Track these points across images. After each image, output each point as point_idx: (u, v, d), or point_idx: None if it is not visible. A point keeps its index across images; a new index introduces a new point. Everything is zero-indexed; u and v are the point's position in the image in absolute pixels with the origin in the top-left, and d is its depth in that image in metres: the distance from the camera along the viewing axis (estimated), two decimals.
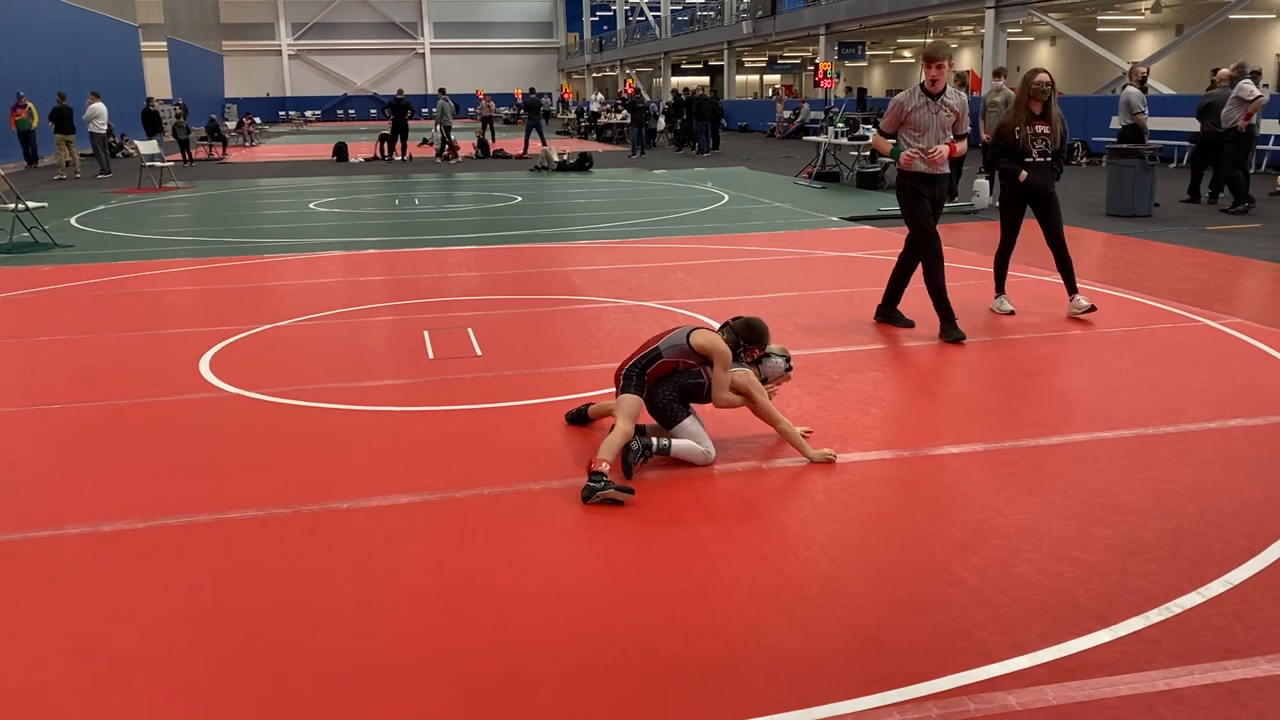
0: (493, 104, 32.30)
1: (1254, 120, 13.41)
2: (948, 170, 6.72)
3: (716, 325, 4.71)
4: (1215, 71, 13.63)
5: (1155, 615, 3.11)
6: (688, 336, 4.53)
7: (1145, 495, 4.04)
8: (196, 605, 3.28)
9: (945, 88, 6.52)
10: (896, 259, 7.05)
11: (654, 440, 4.37)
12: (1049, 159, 6.93)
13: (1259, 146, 16.53)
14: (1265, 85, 14.55)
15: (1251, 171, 13.99)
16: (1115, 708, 2.65)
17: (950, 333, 6.53)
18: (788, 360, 4.81)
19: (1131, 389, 5.43)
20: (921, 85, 6.55)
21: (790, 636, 3.03)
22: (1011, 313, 7.23)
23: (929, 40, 36.17)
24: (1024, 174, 6.88)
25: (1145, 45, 32.76)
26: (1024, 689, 2.74)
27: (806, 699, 2.71)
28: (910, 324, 6.89)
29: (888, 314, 7.04)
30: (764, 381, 4.70)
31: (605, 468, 4.13)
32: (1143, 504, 3.96)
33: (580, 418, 5.00)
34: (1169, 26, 32.17)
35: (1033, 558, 3.51)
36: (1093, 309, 7.05)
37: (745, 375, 4.55)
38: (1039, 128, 6.88)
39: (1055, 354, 6.19)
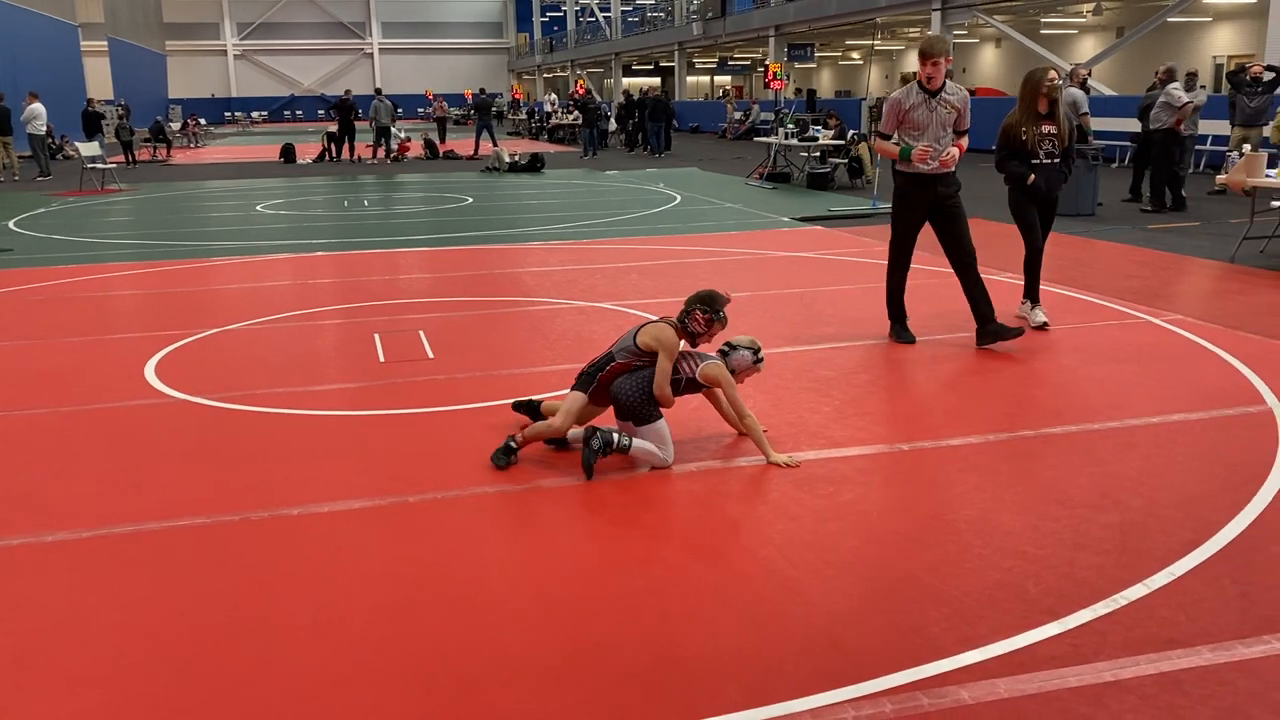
0: (445, 104, 32.06)
1: (1193, 121, 13.73)
2: (953, 169, 6.33)
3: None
4: (1159, 72, 13.91)
5: (1102, 607, 3.16)
6: (634, 336, 4.53)
7: (1091, 490, 4.11)
8: (145, 616, 3.22)
9: (944, 84, 6.19)
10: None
11: (615, 436, 4.33)
12: (1057, 160, 6.64)
13: (1197, 147, 16.92)
14: (1202, 87, 14.85)
15: (1190, 171, 14.32)
16: (1064, 699, 2.70)
17: (901, 334, 6.57)
18: (756, 353, 4.67)
19: (1077, 385, 5.53)
20: (919, 82, 6.21)
21: (746, 635, 3.04)
22: (1045, 325, 6.77)
23: (875, 41, 36.47)
24: (1032, 177, 6.58)
25: (1087, 47, 33.37)
26: (976, 683, 2.78)
27: (763, 697, 2.73)
28: (1018, 332, 6.25)
29: (993, 331, 6.28)
30: (731, 373, 4.59)
31: (517, 439, 4.47)
32: (1089, 498, 4.03)
33: (530, 410, 4.90)
34: (1110, 29, 32.80)
35: (983, 553, 3.56)
36: (1045, 326, 6.73)
37: (716, 367, 4.50)
38: (1046, 128, 6.60)
39: (1003, 351, 6.27)
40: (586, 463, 4.26)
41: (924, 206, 6.37)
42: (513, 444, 4.49)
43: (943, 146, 6.22)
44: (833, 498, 4.08)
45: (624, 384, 4.46)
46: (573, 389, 4.55)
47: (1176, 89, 13.09)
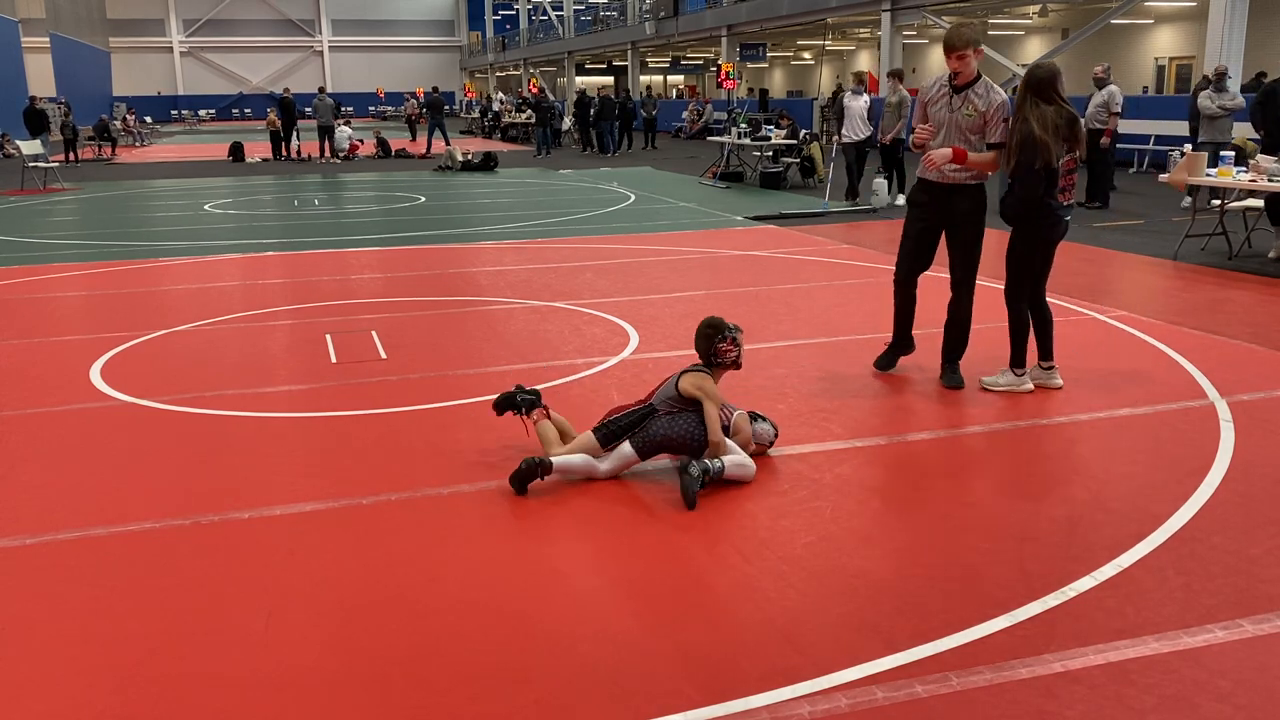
0: (415, 102, 31.75)
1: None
2: (972, 181, 5.41)
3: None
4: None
5: (1051, 599, 3.22)
6: (675, 384, 4.32)
7: (1040, 484, 4.18)
8: (92, 622, 3.16)
9: (975, 81, 5.29)
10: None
11: (709, 464, 4.09)
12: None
13: (1140, 146, 17.27)
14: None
15: (1133, 171, 14.55)
16: (1015, 690, 2.74)
17: (881, 360, 5.91)
18: (774, 430, 4.59)
19: None
20: (950, 74, 5.34)
21: (701, 632, 3.06)
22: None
23: (826, 41, 36.68)
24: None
25: (1034, 48, 33.85)
26: (929, 676, 2.81)
27: (719, 694, 2.74)
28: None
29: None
30: (747, 438, 4.43)
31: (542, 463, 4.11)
32: (1037, 492, 4.09)
33: (510, 403, 4.60)
34: (1055, 30, 33.31)
35: (935, 547, 3.60)
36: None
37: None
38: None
39: None
40: (689, 494, 3.96)
41: (924, 216, 5.54)
42: (537, 469, 4.10)
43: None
44: (786, 495, 4.11)
45: (677, 426, 4.26)
46: (594, 432, 4.32)
47: (1114, 89, 13.32)
